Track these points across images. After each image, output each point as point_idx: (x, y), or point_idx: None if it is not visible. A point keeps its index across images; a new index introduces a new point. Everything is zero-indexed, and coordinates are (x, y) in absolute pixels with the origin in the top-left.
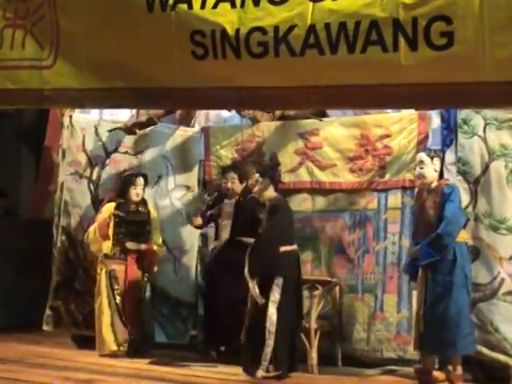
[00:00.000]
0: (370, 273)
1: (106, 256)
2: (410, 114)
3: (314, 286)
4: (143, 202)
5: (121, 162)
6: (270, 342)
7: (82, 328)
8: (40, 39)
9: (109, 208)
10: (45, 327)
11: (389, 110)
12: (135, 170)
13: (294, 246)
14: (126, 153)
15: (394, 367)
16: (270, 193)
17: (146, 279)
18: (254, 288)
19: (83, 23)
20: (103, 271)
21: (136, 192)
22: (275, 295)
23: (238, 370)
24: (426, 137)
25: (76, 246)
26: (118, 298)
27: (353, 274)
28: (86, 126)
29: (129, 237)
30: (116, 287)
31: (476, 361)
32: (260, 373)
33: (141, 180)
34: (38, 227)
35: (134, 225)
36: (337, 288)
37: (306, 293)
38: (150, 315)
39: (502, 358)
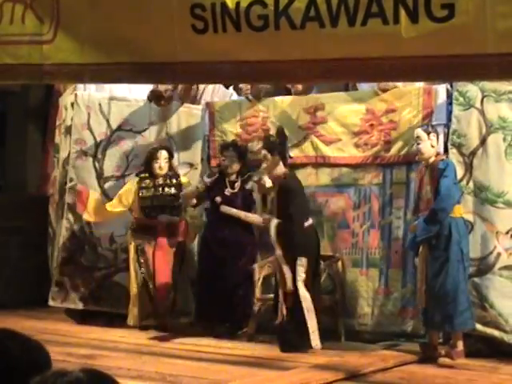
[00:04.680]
0: (374, 247)
1: (135, 230)
2: (415, 88)
3: None
4: (174, 174)
5: (125, 139)
6: (312, 321)
7: (89, 303)
8: (40, 14)
9: (132, 182)
10: (51, 303)
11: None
12: (158, 143)
13: (311, 221)
14: (130, 130)
15: (397, 342)
16: (280, 169)
17: (178, 255)
18: (288, 272)
19: None
20: (132, 245)
21: (159, 165)
22: (301, 274)
23: (240, 344)
24: (432, 111)
25: (81, 222)
26: (145, 272)
27: (357, 248)
28: (90, 104)
29: (158, 211)
30: (142, 261)
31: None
32: (316, 343)
33: (163, 153)
34: (45, 205)
35: (163, 198)
36: (339, 263)
37: None
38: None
39: (496, 333)
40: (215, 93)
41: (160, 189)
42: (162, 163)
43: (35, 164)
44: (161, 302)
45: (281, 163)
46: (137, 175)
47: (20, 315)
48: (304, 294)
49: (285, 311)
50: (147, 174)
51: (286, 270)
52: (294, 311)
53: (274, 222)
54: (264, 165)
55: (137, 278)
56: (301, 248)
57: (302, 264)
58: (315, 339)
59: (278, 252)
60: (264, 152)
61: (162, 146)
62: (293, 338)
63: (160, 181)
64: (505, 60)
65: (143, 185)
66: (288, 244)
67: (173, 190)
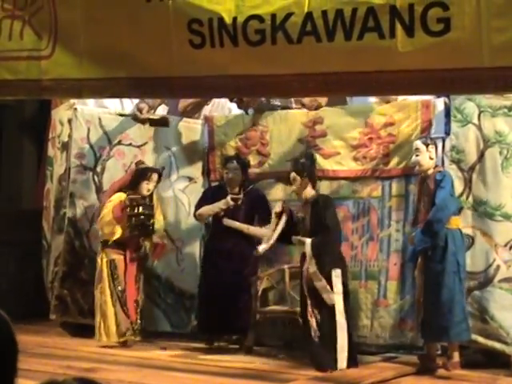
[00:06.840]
0: (373, 260)
1: (107, 245)
2: (413, 101)
3: None
4: (150, 195)
5: (125, 153)
6: (342, 340)
7: (88, 317)
8: (38, 29)
9: (120, 197)
10: (52, 316)
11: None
12: (152, 166)
13: None
14: (130, 145)
15: (396, 354)
16: (309, 191)
17: (139, 270)
18: (326, 288)
19: (81, 13)
20: (104, 260)
21: (148, 187)
22: (337, 286)
23: (238, 357)
24: (430, 124)
25: (81, 236)
26: (120, 288)
27: (356, 261)
28: (90, 119)
29: (136, 229)
30: (116, 276)
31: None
32: (342, 365)
33: (155, 176)
34: (40, 218)
35: (138, 217)
36: None
37: None
38: (149, 305)
39: (498, 345)
40: (215, 107)
41: (138, 207)
42: (151, 186)
43: (30, 177)
44: (132, 318)
45: (310, 185)
46: (121, 191)
47: (19, 329)
48: (340, 308)
49: (315, 326)
50: (131, 191)
51: (323, 284)
52: (325, 326)
53: (308, 240)
54: (293, 187)
55: (112, 295)
56: (337, 259)
57: (337, 275)
58: (342, 360)
59: (312, 269)
60: (293, 174)
61: (155, 168)
62: (321, 355)
63: (141, 200)
64: (500, 74)
65: (128, 203)
66: (325, 257)
67: (146, 211)
